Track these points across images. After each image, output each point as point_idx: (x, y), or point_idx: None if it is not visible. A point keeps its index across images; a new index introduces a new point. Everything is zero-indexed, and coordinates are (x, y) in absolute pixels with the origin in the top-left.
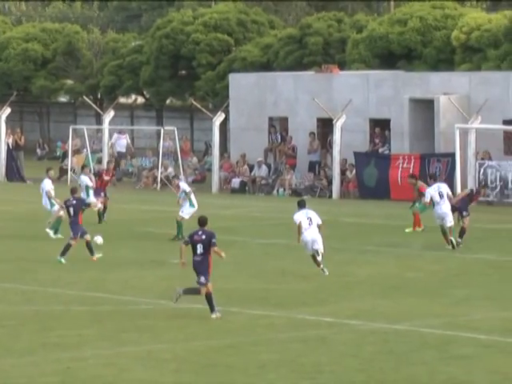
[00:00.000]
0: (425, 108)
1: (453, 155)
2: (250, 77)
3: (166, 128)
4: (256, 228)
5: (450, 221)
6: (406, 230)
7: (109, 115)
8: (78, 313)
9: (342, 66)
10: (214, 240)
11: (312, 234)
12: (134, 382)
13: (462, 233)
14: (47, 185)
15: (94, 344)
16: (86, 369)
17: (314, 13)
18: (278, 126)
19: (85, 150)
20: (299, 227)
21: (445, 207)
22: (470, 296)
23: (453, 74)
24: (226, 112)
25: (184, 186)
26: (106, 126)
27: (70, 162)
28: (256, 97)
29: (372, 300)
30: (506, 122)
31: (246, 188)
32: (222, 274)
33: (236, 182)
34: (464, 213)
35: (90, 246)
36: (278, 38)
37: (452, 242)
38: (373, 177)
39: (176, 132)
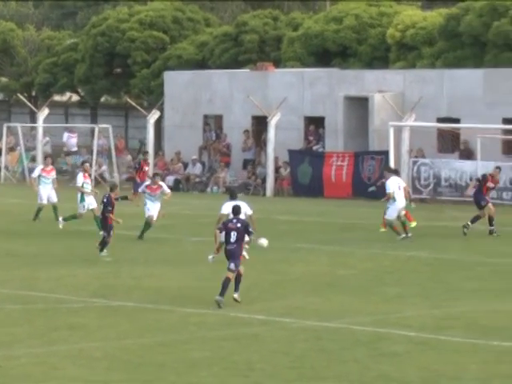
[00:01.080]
0: (359, 106)
1: (386, 153)
2: (185, 74)
3: (100, 126)
4: (189, 226)
5: (403, 213)
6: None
7: (43, 113)
8: (9, 311)
9: (278, 63)
10: (250, 229)
11: None
12: (65, 380)
13: (490, 220)
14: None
15: (26, 342)
16: (18, 367)
17: (250, 10)
18: (213, 124)
19: (19, 148)
20: (220, 219)
21: (403, 199)
22: (402, 293)
23: (387, 72)
24: (161, 110)
25: (165, 186)
26: (40, 123)
27: (4, 159)
28: (191, 94)
29: (304, 298)
30: (439, 120)
31: (180, 186)
32: (155, 271)
33: (170, 179)
34: (482, 202)
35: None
36: (213, 36)
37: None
38: (307, 174)
39: (111, 130)
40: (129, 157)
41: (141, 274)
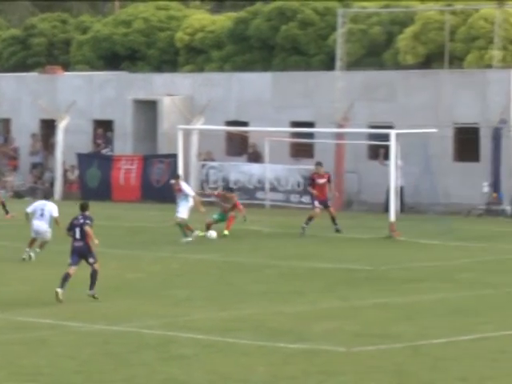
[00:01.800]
0: (148, 109)
1: (175, 156)
2: None
3: None
4: None
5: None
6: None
7: None
8: None
9: (67, 67)
10: (87, 221)
11: (39, 225)
12: None
13: (333, 219)
14: None
15: None
16: None
17: (39, 13)
18: (1, 128)
19: None
20: (26, 214)
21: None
22: (191, 296)
23: (176, 75)
24: None
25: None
26: None
27: None
28: None
29: (92, 302)
30: (228, 123)
31: None
32: None
33: None
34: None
35: None
36: (1, 39)
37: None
38: (95, 178)
39: None
40: None
41: None
